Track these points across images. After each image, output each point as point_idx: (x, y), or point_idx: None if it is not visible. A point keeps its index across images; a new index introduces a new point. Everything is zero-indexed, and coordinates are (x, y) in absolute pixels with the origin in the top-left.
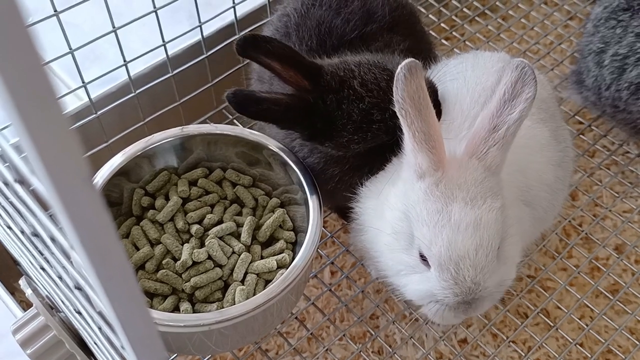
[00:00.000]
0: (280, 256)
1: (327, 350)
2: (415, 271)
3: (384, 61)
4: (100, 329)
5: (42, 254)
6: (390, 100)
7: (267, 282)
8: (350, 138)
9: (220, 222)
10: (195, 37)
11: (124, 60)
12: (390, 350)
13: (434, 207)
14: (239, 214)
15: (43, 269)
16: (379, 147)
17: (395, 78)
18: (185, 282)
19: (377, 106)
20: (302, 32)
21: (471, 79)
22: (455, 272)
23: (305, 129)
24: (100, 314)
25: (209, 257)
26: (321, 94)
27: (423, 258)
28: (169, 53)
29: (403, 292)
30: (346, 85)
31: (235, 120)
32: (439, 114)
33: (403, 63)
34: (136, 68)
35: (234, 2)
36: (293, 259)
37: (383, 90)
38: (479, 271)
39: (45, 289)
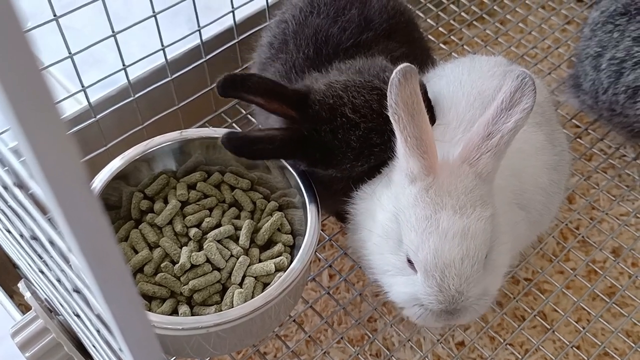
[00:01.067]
0: (278, 259)
1: (325, 353)
2: (402, 273)
3: (369, 73)
4: (98, 331)
5: (40, 257)
6: (387, 121)
7: (265, 285)
8: (353, 164)
9: (218, 225)
10: (194, 42)
11: (123, 64)
12: (388, 353)
13: (423, 213)
14: (237, 217)
15: (42, 272)
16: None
17: (389, 83)
18: (184, 285)
19: (374, 130)
20: (300, 40)
21: (467, 82)
22: (440, 280)
23: (304, 160)
24: (98, 316)
25: (207, 260)
26: (313, 124)
27: (410, 261)
28: (168, 57)
29: (388, 293)
30: (338, 114)
31: (234, 124)
32: (431, 117)
33: (398, 68)
34: (135, 72)
35: (232, 7)
36: (291, 262)
37: (377, 112)
38: (463, 280)
39: (44, 292)
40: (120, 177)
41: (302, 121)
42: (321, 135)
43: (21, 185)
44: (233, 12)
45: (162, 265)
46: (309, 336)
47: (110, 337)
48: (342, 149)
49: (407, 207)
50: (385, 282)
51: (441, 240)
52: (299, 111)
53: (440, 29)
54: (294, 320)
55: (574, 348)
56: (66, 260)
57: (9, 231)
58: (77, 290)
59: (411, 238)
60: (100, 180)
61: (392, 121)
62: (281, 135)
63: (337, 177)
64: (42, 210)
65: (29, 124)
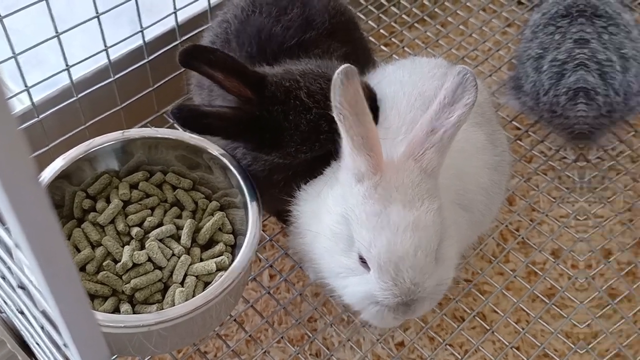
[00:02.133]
0: (219, 259)
1: (265, 352)
2: (355, 273)
3: (326, 69)
4: (42, 328)
5: None
6: None
7: (207, 284)
8: (298, 148)
9: (160, 224)
10: (136, 42)
11: (66, 65)
12: (328, 352)
13: (373, 209)
14: (179, 216)
15: None
16: (325, 154)
17: (332, 84)
18: (126, 284)
19: (325, 117)
20: (242, 38)
21: (408, 83)
22: (394, 274)
23: (251, 141)
24: (43, 312)
25: (149, 259)
26: (266, 105)
27: (362, 260)
28: (111, 58)
29: (342, 295)
30: (292, 96)
31: (176, 124)
32: (375, 118)
33: (340, 69)
34: (78, 72)
35: (175, 8)
36: (232, 261)
37: (330, 100)
38: (418, 272)
39: None
40: (63, 176)
41: (257, 103)
42: (272, 115)
43: None
44: (175, 13)
45: (104, 263)
46: (250, 335)
47: (55, 333)
48: (290, 131)
49: (357, 205)
50: (338, 284)
51: (393, 234)
52: (255, 92)
53: (381, 31)
54: (234, 320)
55: (513, 349)
56: (11, 256)
57: None
58: (22, 287)
59: (363, 235)
60: (42, 179)
61: (338, 121)
62: (232, 113)
63: (278, 164)
64: None
65: None
